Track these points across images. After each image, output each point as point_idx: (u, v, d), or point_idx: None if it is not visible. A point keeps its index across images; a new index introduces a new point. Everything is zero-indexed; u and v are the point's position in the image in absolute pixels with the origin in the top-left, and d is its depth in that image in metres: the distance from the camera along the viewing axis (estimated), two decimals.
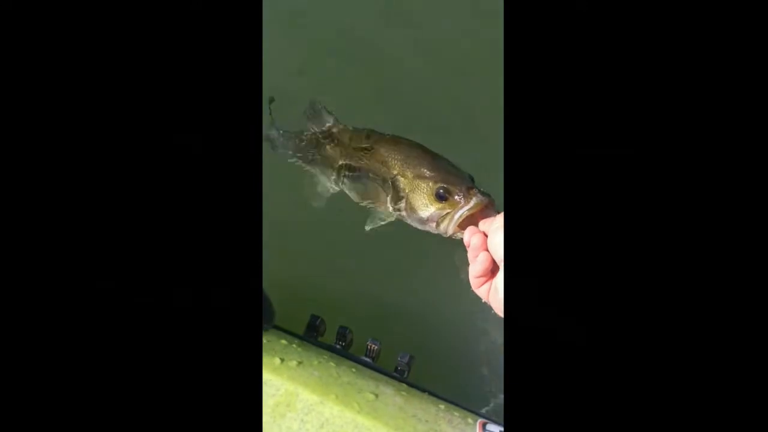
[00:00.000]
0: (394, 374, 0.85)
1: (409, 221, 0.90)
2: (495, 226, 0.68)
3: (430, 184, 0.85)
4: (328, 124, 1.05)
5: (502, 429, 0.75)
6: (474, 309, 1.00)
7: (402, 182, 0.89)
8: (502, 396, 0.95)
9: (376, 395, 0.78)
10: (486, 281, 0.68)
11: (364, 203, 0.97)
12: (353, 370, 0.83)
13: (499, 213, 0.77)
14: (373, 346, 0.87)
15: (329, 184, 1.04)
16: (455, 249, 0.81)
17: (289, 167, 1.09)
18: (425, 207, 0.85)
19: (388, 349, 0.88)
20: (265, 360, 0.79)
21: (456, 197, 0.81)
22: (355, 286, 1.10)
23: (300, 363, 0.81)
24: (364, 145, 0.98)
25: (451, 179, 0.84)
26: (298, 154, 1.09)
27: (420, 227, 0.88)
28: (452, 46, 1.43)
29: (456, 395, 0.83)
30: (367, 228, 0.94)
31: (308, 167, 1.07)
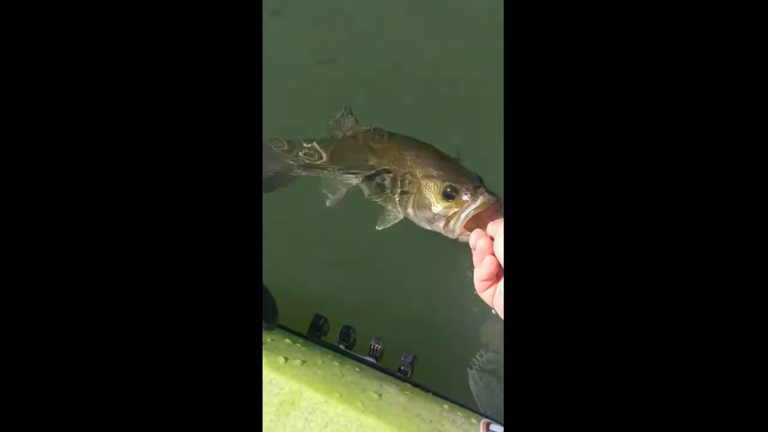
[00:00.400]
0: (398, 374, 0.86)
1: (416, 221, 0.91)
2: (501, 230, 0.69)
3: (438, 183, 0.87)
4: (350, 126, 1.07)
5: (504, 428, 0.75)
6: (477, 310, 1.00)
7: (411, 180, 0.91)
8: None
9: (380, 395, 0.79)
10: (491, 285, 0.68)
11: (376, 199, 0.99)
12: (357, 369, 0.83)
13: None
14: (377, 345, 0.87)
15: (346, 182, 1.05)
16: (461, 251, 0.81)
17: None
18: (432, 205, 0.87)
19: (391, 349, 0.88)
20: (270, 359, 0.79)
21: (463, 196, 0.83)
22: (359, 287, 1.10)
23: (304, 362, 0.81)
24: (378, 144, 0.99)
25: (459, 178, 0.86)
26: (317, 163, 1.10)
27: (428, 227, 0.89)
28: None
29: (459, 395, 0.83)
30: (378, 228, 0.95)
31: (325, 172, 1.09)
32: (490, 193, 0.81)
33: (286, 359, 0.80)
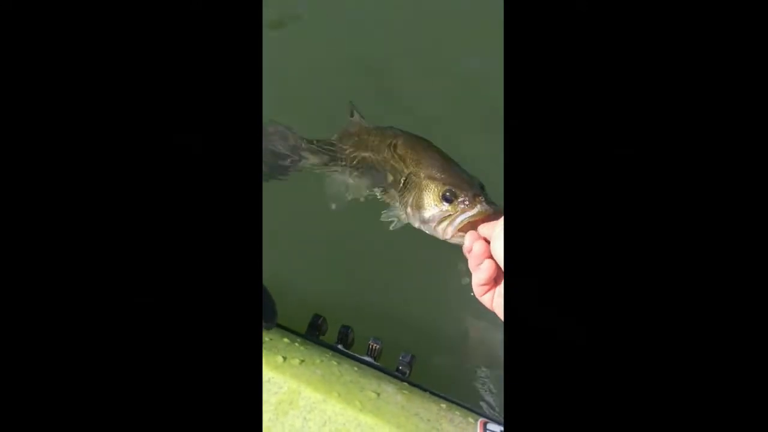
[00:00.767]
0: (396, 374, 0.86)
1: (411, 220, 0.91)
2: (497, 232, 0.66)
3: (439, 185, 0.87)
4: (356, 125, 1.08)
5: (503, 428, 0.75)
6: (474, 311, 1.01)
7: (413, 180, 0.91)
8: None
9: (378, 394, 0.79)
10: (490, 289, 0.67)
11: (377, 194, 0.99)
12: (355, 368, 0.83)
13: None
14: (375, 345, 0.88)
15: (350, 181, 1.06)
16: (459, 253, 0.81)
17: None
18: (430, 207, 0.87)
19: (389, 349, 0.89)
20: (268, 358, 0.79)
21: (461, 202, 0.82)
22: (357, 286, 1.11)
23: (302, 361, 0.81)
24: (385, 142, 1.00)
25: (460, 184, 0.85)
26: (325, 159, 1.11)
27: (422, 227, 0.90)
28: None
29: (457, 395, 0.84)
30: (392, 228, 0.96)
31: (332, 170, 1.09)
32: (489, 202, 0.81)
33: (285, 358, 0.80)
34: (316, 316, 0.91)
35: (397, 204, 0.96)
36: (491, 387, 0.95)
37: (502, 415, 0.80)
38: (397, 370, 0.87)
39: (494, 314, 0.69)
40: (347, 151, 1.07)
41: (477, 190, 0.84)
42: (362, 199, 1.05)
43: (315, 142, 1.14)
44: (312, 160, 1.14)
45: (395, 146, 0.99)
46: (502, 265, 0.64)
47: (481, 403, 0.91)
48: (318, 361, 0.82)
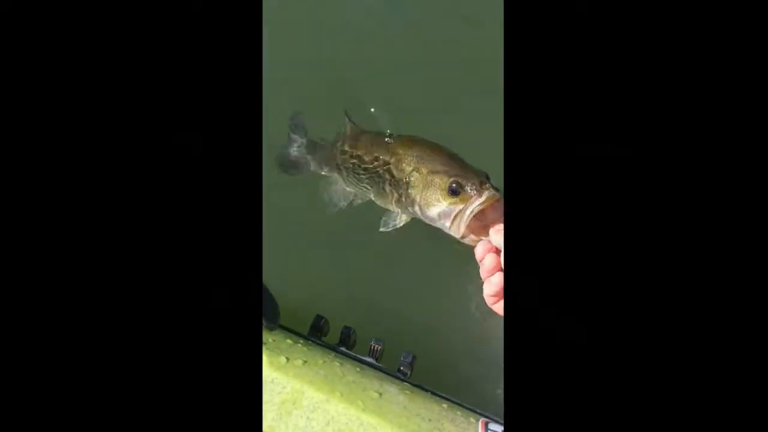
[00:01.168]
0: (397, 374, 0.87)
1: (422, 218, 0.91)
2: None
3: (444, 178, 0.86)
4: (349, 129, 1.08)
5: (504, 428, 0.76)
6: (475, 311, 1.02)
7: (417, 178, 0.90)
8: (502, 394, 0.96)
9: (380, 394, 0.80)
10: (500, 300, 0.66)
11: (380, 201, 0.99)
12: (357, 369, 0.84)
13: None
14: (377, 346, 0.88)
15: (348, 188, 1.06)
16: (462, 255, 0.81)
17: None
18: (438, 202, 0.86)
19: (391, 349, 0.89)
20: (271, 359, 0.80)
21: (468, 191, 0.81)
22: (360, 288, 1.11)
23: (305, 362, 0.82)
24: (382, 145, 1.00)
25: (465, 174, 0.84)
26: (323, 162, 1.12)
27: (435, 224, 0.89)
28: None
29: (459, 395, 0.84)
30: (382, 230, 0.95)
31: (329, 173, 1.10)
32: (495, 188, 0.80)
33: (288, 359, 0.81)
34: (319, 318, 0.91)
35: (397, 209, 0.95)
36: (493, 387, 0.96)
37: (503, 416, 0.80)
38: (399, 370, 0.87)
39: (495, 316, 0.69)
40: (344, 156, 1.08)
41: (483, 178, 0.83)
42: (359, 202, 1.05)
43: (320, 140, 1.15)
44: (313, 163, 1.15)
45: (392, 148, 0.98)
46: None
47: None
48: (320, 361, 0.83)
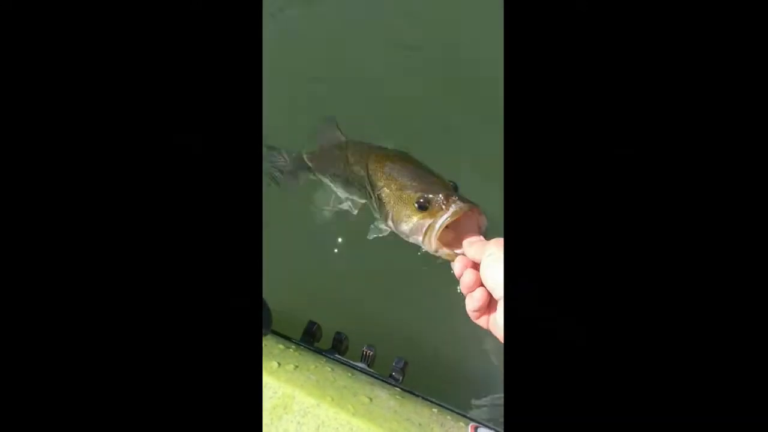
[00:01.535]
0: (389, 380, 0.87)
1: (398, 233, 0.91)
2: (487, 256, 0.65)
3: (411, 194, 0.86)
4: (338, 140, 1.09)
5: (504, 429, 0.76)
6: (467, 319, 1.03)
7: (387, 194, 0.91)
8: (493, 400, 0.98)
9: (371, 399, 0.80)
10: (482, 315, 0.65)
11: (350, 208, 1.01)
12: (349, 374, 0.85)
13: (484, 235, 0.75)
14: (369, 352, 0.89)
15: (340, 195, 1.07)
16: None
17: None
18: (408, 218, 0.85)
19: (382, 356, 0.90)
20: (264, 363, 0.80)
21: (436, 206, 0.81)
22: (352, 294, 1.12)
23: (297, 367, 0.82)
24: (361, 160, 1.01)
25: (431, 188, 0.84)
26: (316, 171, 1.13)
27: (409, 239, 0.89)
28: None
29: (449, 400, 0.85)
30: (369, 237, 0.95)
31: (326, 179, 1.11)
32: (463, 200, 0.79)
33: (279, 364, 0.82)
34: (311, 323, 0.92)
35: (380, 219, 0.96)
36: (484, 392, 0.97)
37: (492, 421, 0.81)
38: (390, 376, 0.88)
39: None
40: (326, 166, 1.09)
41: (449, 191, 0.83)
42: (355, 212, 1.06)
43: (305, 155, 1.16)
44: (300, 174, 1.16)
45: (368, 163, 0.99)
46: (492, 292, 0.63)
47: (473, 408, 0.92)
48: (312, 366, 0.84)
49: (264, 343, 0.85)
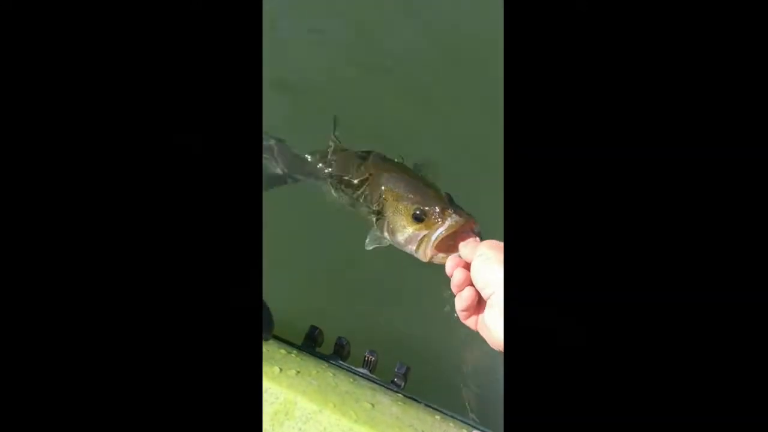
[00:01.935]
0: (391, 385, 0.87)
1: (394, 243, 0.92)
2: (478, 256, 0.65)
3: (408, 205, 0.89)
4: (333, 146, 1.10)
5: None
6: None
7: (384, 205, 0.93)
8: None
9: (373, 405, 0.80)
10: (471, 315, 0.66)
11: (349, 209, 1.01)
12: (351, 380, 0.84)
13: (479, 234, 0.77)
14: (371, 357, 0.89)
15: (340, 200, 1.07)
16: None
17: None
18: (404, 229, 0.88)
19: (385, 361, 0.89)
20: (265, 369, 0.80)
21: (432, 218, 0.83)
22: (355, 299, 1.12)
23: (299, 372, 0.82)
24: (359, 170, 1.03)
25: (427, 201, 0.86)
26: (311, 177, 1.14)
27: (403, 249, 0.90)
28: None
29: (451, 407, 0.84)
30: (368, 248, 0.96)
31: (331, 187, 1.12)
32: (459, 213, 0.81)
33: (281, 369, 0.81)
34: (313, 328, 0.92)
35: (377, 228, 0.97)
36: (487, 399, 0.96)
37: (490, 427, 0.81)
38: (393, 382, 0.87)
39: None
40: (327, 173, 1.10)
41: (445, 204, 0.84)
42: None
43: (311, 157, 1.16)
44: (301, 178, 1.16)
45: (365, 173, 1.00)
46: (481, 291, 0.63)
47: (471, 415, 0.91)
48: (314, 372, 0.83)
49: (265, 347, 0.85)
